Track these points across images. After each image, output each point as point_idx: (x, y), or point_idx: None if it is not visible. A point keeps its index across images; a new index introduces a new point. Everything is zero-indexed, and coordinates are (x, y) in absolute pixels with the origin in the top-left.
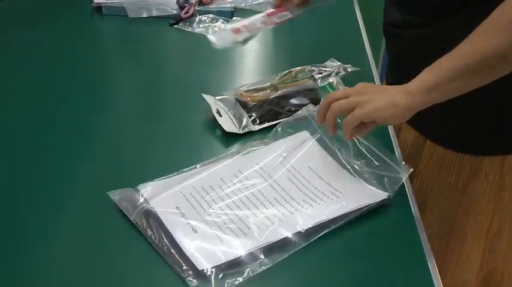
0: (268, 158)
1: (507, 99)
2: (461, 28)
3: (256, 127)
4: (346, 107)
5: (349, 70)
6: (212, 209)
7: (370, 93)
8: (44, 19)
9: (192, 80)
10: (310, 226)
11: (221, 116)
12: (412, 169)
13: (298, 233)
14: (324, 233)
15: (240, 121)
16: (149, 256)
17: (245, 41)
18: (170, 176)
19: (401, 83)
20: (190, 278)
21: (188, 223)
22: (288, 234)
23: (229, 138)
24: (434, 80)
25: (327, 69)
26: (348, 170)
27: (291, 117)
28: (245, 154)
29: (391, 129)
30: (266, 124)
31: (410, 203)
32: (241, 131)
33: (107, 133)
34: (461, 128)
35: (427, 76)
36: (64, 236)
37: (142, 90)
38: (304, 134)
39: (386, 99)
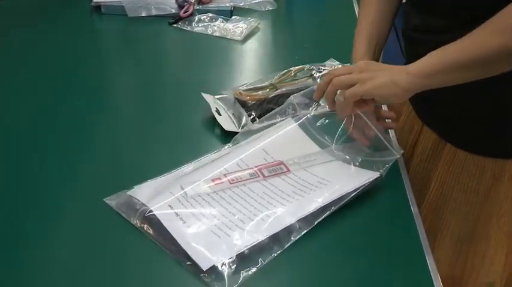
0: (251, 153)
1: (504, 101)
2: None
3: (256, 126)
4: (347, 83)
5: None
6: (204, 208)
7: (371, 70)
8: (43, 19)
9: (191, 79)
10: (311, 211)
11: (220, 115)
12: (403, 151)
13: (301, 219)
14: (326, 215)
15: (239, 120)
16: (150, 255)
17: (244, 40)
18: (163, 176)
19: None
20: (204, 274)
21: (184, 223)
22: (290, 222)
23: (229, 138)
24: (436, 67)
25: (326, 68)
26: (337, 157)
27: (279, 108)
28: (231, 150)
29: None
30: (265, 123)
31: (409, 198)
32: (240, 130)
33: (107, 133)
34: (459, 129)
35: (430, 61)
36: (64, 236)
37: (142, 90)
38: (289, 122)
39: (386, 78)
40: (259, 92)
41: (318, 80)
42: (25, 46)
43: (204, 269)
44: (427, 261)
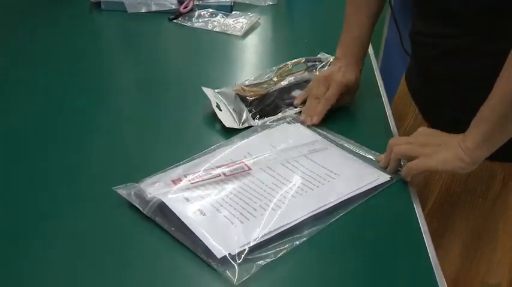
0: (259, 146)
1: None
2: (495, 40)
3: (256, 122)
4: (407, 154)
5: None
6: (217, 197)
7: (431, 145)
8: (42, 16)
9: (191, 75)
10: (323, 208)
11: (221, 110)
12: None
13: (312, 215)
14: (339, 216)
15: (239, 116)
16: (162, 244)
17: (245, 35)
18: (170, 168)
19: (429, 86)
20: (216, 263)
21: (197, 212)
22: (303, 216)
23: (230, 133)
24: (486, 133)
25: (322, 63)
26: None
27: (275, 116)
28: (237, 142)
29: (392, 126)
30: (266, 119)
31: (412, 200)
32: (241, 126)
33: (108, 129)
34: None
35: (477, 131)
36: (66, 235)
37: (142, 86)
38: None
39: (450, 153)
40: (259, 88)
41: (316, 72)
42: (25, 44)
43: (219, 257)
44: (431, 260)
